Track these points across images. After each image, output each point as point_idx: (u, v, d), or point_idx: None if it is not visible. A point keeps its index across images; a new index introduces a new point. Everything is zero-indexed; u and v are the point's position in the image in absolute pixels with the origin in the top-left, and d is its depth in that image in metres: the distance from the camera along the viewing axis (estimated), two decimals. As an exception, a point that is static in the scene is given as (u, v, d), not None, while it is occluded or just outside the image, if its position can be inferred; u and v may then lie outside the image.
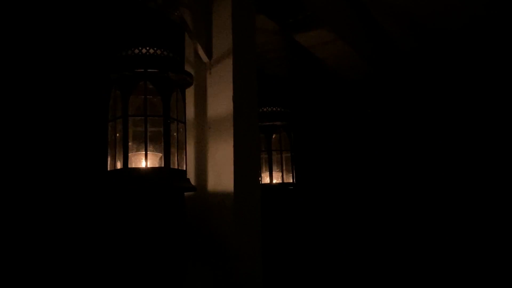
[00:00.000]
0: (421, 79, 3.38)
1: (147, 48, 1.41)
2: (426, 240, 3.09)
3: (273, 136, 2.27)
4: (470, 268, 2.96)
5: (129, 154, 1.39)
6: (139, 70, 1.40)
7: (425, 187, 3.17)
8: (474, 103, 3.21)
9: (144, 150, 1.40)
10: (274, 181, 2.24)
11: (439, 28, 3.02)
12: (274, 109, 2.26)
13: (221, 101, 1.73)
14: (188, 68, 1.72)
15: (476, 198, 3.07)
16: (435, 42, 3.19)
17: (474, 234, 3.02)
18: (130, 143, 1.39)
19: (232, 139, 1.68)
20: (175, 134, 1.48)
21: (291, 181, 2.28)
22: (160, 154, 1.44)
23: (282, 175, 2.26)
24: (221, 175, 1.69)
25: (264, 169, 2.23)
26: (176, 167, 1.45)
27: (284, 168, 2.26)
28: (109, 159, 1.44)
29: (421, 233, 3.12)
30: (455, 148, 3.19)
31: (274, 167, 2.25)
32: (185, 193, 1.71)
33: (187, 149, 1.56)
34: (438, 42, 3.19)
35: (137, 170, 1.37)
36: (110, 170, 1.41)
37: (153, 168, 1.38)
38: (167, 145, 1.41)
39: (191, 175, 1.71)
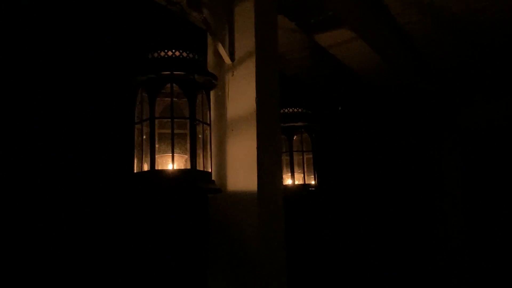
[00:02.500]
0: (443, 82, 3.32)
1: (173, 50, 1.42)
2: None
3: (294, 137, 2.27)
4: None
5: (156, 156, 1.40)
6: (165, 72, 1.41)
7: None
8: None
9: (170, 152, 1.41)
10: (296, 182, 2.24)
11: (467, 28, 2.95)
12: (295, 110, 2.25)
13: (243, 103, 1.73)
14: (210, 70, 1.73)
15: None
16: (460, 44, 3.12)
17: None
18: (157, 145, 1.40)
19: (256, 140, 1.68)
20: (200, 136, 1.49)
21: (313, 182, 2.27)
22: (186, 156, 1.45)
23: (304, 177, 2.25)
24: (244, 176, 1.69)
25: (285, 170, 2.22)
26: (202, 168, 1.46)
27: (305, 169, 2.25)
28: (135, 161, 1.45)
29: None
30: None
31: (296, 169, 2.24)
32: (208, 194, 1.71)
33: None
34: (462, 45, 3.12)
35: (165, 172, 1.38)
36: (136, 172, 1.43)
37: (180, 170, 1.39)
38: (193, 147, 1.42)
39: (214, 177, 1.71)
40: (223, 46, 1.75)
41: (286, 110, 2.25)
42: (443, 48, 3.14)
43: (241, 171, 1.70)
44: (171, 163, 1.41)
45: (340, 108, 2.33)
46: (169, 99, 1.43)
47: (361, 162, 3.20)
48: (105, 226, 1.51)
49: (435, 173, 3.19)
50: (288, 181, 2.24)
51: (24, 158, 1.40)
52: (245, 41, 1.75)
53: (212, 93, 1.75)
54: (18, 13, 1.47)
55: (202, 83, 1.48)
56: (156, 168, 1.39)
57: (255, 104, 1.69)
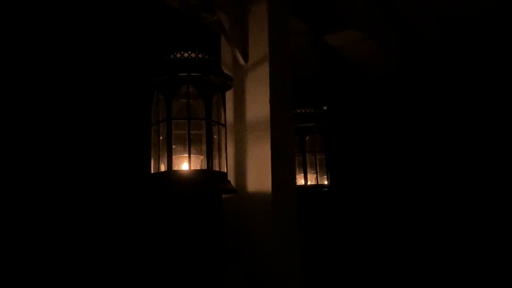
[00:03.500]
0: (448, 74, 3.31)
1: (189, 52, 1.43)
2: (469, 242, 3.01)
3: (307, 138, 2.27)
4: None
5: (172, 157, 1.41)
6: (181, 74, 1.42)
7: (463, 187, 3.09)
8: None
9: (186, 152, 1.42)
10: (309, 183, 2.24)
11: (464, 18, 2.95)
12: (307, 110, 2.26)
13: (258, 104, 1.74)
14: (224, 71, 1.74)
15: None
16: (462, 34, 3.13)
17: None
18: (173, 146, 1.41)
19: (270, 141, 1.69)
20: (215, 136, 1.50)
21: (326, 182, 2.27)
22: (201, 157, 1.46)
23: (317, 177, 2.26)
24: (258, 177, 1.70)
25: (298, 171, 2.23)
26: (217, 169, 1.47)
27: (318, 169, 2.26)
28: (152, 162, 1.46)
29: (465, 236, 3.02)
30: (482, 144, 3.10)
31: (308, 169, 2.24)
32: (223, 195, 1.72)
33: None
34: (464, 33, 3.12)
35: (182, 172, 1.39)
36: (153, 173, 1.44)
37: (196, 171, 1.40)
38: (210, 147, 1.43)
39: (229, 177, 1.72)
40: (237, 47, 1.76)
41: (298, 111, 2.26)
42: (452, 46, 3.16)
43: (255, 172, 1.71)
44: (188, 163, 1.42)
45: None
46: (185, 100, 1.44)
47: (374, 162, 3.20)
48: (123, 225, 1.53)
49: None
50: (301, 181, 2.24)
51: (43, 159, 1.42)
52: (259, 42, 1.76)
53: (227, 94, 1.76)
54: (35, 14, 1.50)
55: (217, 84, 1.49)
56: (172, 168, 1.40)
57: (269, 105, 1.70)
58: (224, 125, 1.55)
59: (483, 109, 3.14)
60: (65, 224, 1.39)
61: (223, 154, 1.52)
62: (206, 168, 1.42)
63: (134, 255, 1.56)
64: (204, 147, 1.45)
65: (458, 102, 3.24)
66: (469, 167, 3.09)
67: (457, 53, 3.23)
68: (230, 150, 1.76)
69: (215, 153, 1.47)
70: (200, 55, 1.44)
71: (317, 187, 2.25)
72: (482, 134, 3.11)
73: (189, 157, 1.41)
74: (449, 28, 3.07)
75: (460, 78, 3.27)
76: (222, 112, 1.55)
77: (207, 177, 1.40)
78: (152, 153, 1.46)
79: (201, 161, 1.46)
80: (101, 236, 1.50)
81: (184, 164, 1.43)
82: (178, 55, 1.43)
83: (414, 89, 3.29)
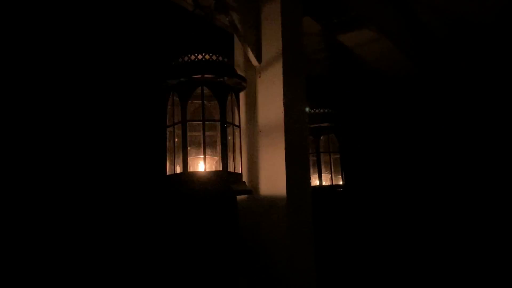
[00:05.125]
0: (464, 75, 3.27)
1: (203, 54, 1.44)
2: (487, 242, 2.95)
3: (321, 138, 2.26)
4: None
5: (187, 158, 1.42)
6: (196, 76, 1.43)
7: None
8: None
9: (201, 154, 1.43)
10: (323, 183, 2.23)
11: (480, 21, 2.91)
12: (321, 110, 2.25)
13: (271, 105, 1.73)
14: (238, 72, 1.74)
15: None
16: (479, 36, 3.08)
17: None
18: (188, 148, 1.42)
19: (284, 142, 1.68)
20: (230, 138, 1.50)
21: (341, 183, 2.25)
22: (216, 158, 1.46)
23: (331, 177, 2.24)
24: (273, 178, 1.69)
25: (312, 171, 2.22)
26: (232, 170, 1.47)
27: (333, 170, 2.24)
28: (168, 163, 1.47)
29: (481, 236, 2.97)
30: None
31: (323, 169, 2.23)
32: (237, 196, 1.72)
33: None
34: (481, 36, 3.08)
35: (198, 174, 1.40)
36: (169, 175, 1.45)
37: (212, 172, 1.41)
38: (224, 148, 1.44)
39: (243, 178, 1.72)
40: (250, 47, 1.76)
41: (312, 111, 2.25)
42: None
43: (270, 173, 1.70)
44: (203, 165, 1.42)
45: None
46: (199, 102, 1.45)
47: (389, 162, 3.17)
48: (139, 226, 1.54)
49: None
50: (315, 182, 2.23)
51: (61, 160, 1.45)
52: (272, 43, 1.76)
53: (240, 95, 1.77)
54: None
55: (231, 86, 1.50)
56: (188, 170, 1.41)
57: (282, 106, 1.70)
58: (239, 126, 1.56)
59: (503, 113, 3.09)
60: (82, 224, 1.41)
61: (238, 155, 1.52)
62: (221, 169, 1.42)
63: (150, 255, 1.57)
64: (219, 148, 1.45)
65: (475, 102, 3.19)
66: (485, 167, 3.04)
67: (474, 55, 3.18)
68: (245, 150, 1.76)
69: (230, 154, 1.48)
70: (214, 57, 1.44)
71: (332, 187, 2.24)
72: (503, 137, 3.06)
73: (204, 158, 1.41)
74: (466, 30, 3.03)
75: (476, 79, 3.22)
76: (236, 113, 1.55)
77: (223, 178, 1.41)
78: (167, 155, 1.47)
79: (216, 162, 1.47)
80: (117, 237, 1.52)
81: (200, 166, 1.44)
82: (193, 57, 1.44)
83: (430, 90, 3.25)
